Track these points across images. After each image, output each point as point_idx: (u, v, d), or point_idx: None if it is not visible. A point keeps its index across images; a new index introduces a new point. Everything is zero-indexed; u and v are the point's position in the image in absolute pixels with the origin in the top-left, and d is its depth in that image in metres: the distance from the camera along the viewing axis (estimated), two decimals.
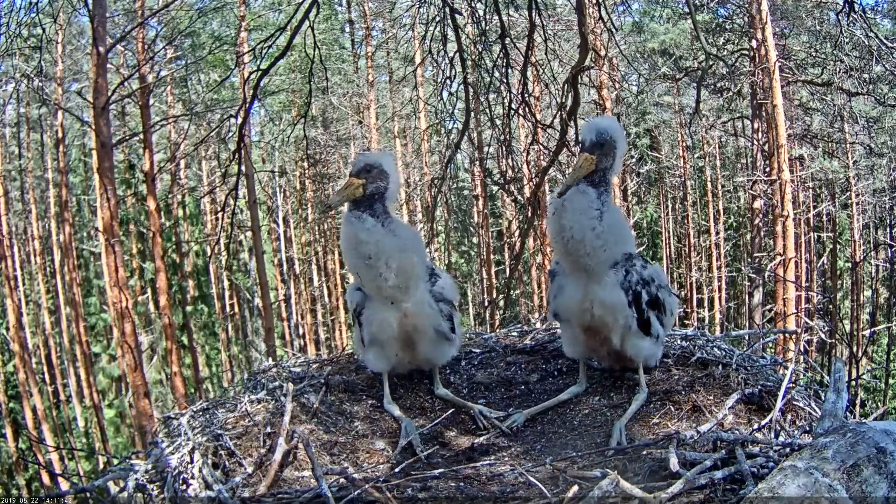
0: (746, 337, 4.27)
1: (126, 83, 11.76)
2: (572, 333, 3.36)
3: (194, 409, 3.32)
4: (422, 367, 3.58)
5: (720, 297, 22.54)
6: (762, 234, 15.38)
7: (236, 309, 25.12)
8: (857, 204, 19.55)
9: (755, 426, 2.79)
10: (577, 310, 3.19)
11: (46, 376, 21.23)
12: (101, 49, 8.11)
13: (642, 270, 3.17)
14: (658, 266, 3.35)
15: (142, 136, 14.22)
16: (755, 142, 15.22)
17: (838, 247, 21.65)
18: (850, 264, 21.50)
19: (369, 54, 19.82)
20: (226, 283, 24.92)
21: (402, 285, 3.20)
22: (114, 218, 8.64)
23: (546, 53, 5.38)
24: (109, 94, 8.64)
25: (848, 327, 19.13)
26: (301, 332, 24.38)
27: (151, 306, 19.45)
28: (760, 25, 13.22)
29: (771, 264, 13.74)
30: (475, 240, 23.88)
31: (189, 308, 21.02)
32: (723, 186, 23.80)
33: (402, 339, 3.33)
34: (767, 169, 14.75)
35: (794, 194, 16.32)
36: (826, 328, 15.37)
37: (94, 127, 8.56)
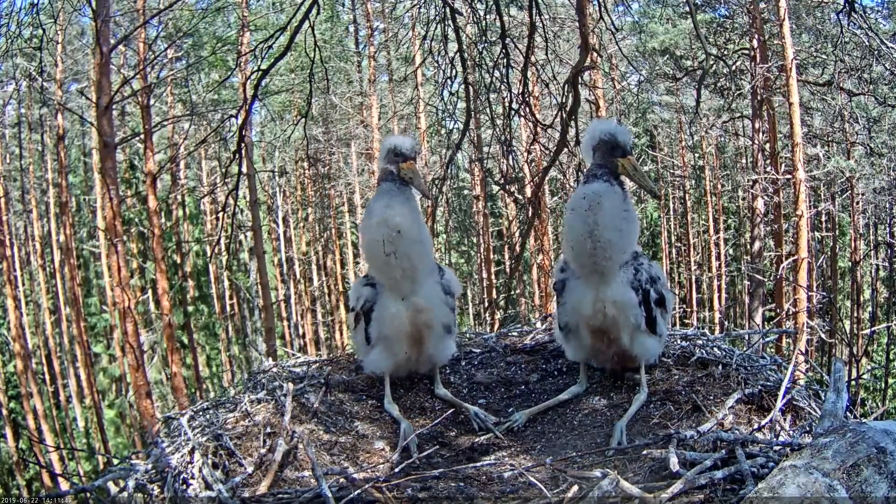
0: (746, 337, 4.27)
1: (128, 83, 11.76)
2: (578, 337, 3.34)
3: (194, 409, 3.33)
4: (420, 370, 3.57)
5: (720, 297, 22.53)
6: (763, 234, 15.34)
7: (236, 309, 25.11)
8: (858, 203, 19.52)
9: (755, 426, 2.79)
10: (589, 311, 3.17)
11: (47, 377, 21.23)
12: (105, 49, 8.12)
13: (649, 269, 3.19)
14: (657, 263, 3.36)
15: (143, 136, 14.22)
16: (755, 141, 15.19)
17: (838, 246, 21.64)
18: (850, 264, 21.49)
19: (371, 54, 19.79)
20: (226, 284, 24.92)
21: (410, 272, 3.23)
22: (116, 217, 8.65)
23: (546, 53, 5.38)
24: (113, 93, 8.64)
25: (848, 327, 19.11)
26: (301, 332, 24.37)
27: (152, 306, 19.47)
28: (778, 21, 13.09)
29: (783, 265, 13.62)
30: (475, 240, 23.86)
31: (189, 308, 21.04)
32: (722, 186, 23.79)
33: (411, 335, 3.33)
34: (769, 168, 14.70)
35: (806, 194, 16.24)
36: (826, 328, 15.34)
37: (96, 126, 8.57)
